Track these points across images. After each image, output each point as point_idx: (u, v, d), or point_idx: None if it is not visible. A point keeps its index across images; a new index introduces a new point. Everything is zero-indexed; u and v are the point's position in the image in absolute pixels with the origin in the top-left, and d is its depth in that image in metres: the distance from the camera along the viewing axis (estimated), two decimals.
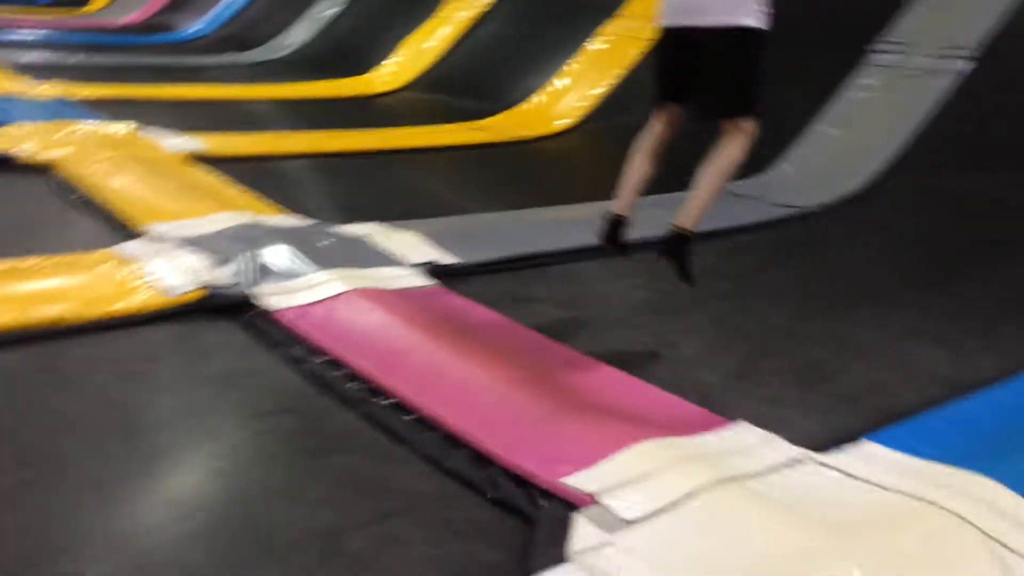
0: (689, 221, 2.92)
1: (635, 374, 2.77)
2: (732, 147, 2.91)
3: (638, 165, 3.07)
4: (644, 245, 3.16)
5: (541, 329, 3.11)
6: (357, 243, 3.70)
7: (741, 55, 2.86)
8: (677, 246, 2.92)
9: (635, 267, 3.76)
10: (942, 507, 2.04)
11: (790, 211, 4.98)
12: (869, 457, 2.31)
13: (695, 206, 2.91)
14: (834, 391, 2.85)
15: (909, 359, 3.10)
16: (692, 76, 2.97)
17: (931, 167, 5.15)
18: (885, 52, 6.02)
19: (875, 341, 3.26)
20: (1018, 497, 2.11)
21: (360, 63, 9.19)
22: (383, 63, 9.13)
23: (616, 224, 3.08)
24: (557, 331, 3.13)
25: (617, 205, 3.08)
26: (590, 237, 3.82)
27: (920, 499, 2.07)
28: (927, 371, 3.01)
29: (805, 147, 5.76)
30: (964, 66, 5.58)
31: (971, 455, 2.30)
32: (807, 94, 6.08)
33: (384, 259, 3.55)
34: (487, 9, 9.04)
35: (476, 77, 8.37)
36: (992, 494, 2.11)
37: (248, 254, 3.31)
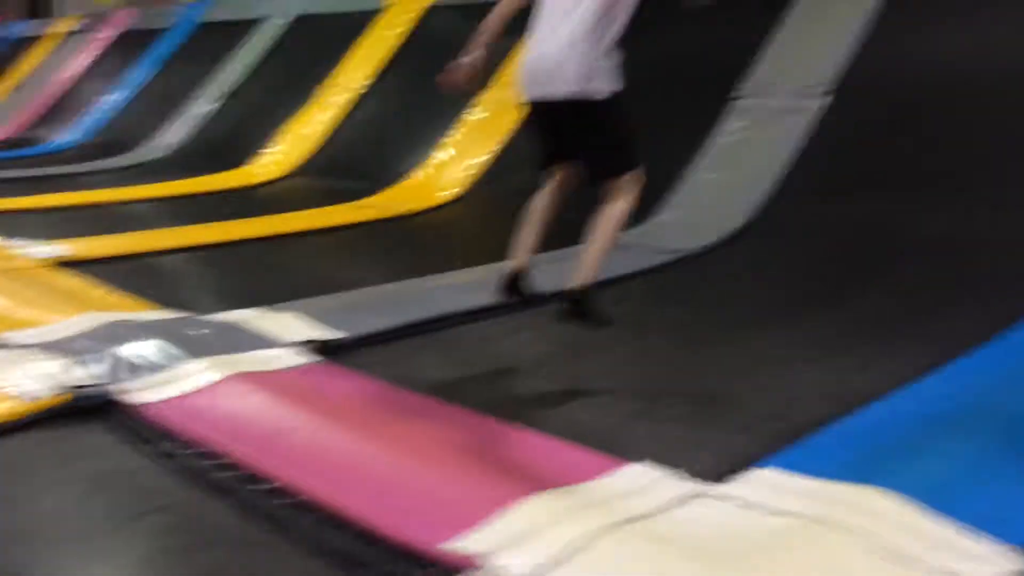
0: (586, 279, 2.90)
1: (531, 425, 2.71)
2: (618, 202, 2.94)
3: (531, 224, 3.07)
4: (542, 298, 3.14)
5: (433, 392, 3.02)
6: (233, 329, 3.55)
7: (603, 120, 2.89)
8: (579, 305, 2.89)
9: (529, 321, 3.74)
10: (837, 525, 2.01)
11: (676, 255, 5.05)
12: (764, 483, 2.28)
13: (589, 264, 2.91)
14: (729, 421, 2.83)
15: (797, 383, 3.13)
16: (566, 140, 2.99)
17: (801, 201, 5.33)
18: (748, 97, 6.26)
19: (764, 368, 3.28)
20: (910, 506, 2.09)
21: (240, 156, 9.08)
22: (263, 153, 9.04)
23: (514, 278, 3.05)
24: (450, 392, 3.04)
25: (513, 262, 3.06)
26: (482, 298, 3.81)
27: (815, 520, 2.04)
28: (815, 392, 3.03)
29: (684, 194, 5.90)
30: (821, 103, 5.84)
31: (862, 469, 2.29)
32: (682, 143, 6.26)
33: (262, 342, 3.40)
34: (364, 91, 9.08)
35: (359, 158, 8.36)
36: (885, 506, 2.09)
37: (112, 352, 3.13)
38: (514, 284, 3.07)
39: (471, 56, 3.09)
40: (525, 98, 3.01)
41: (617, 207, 2.91)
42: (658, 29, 7.24)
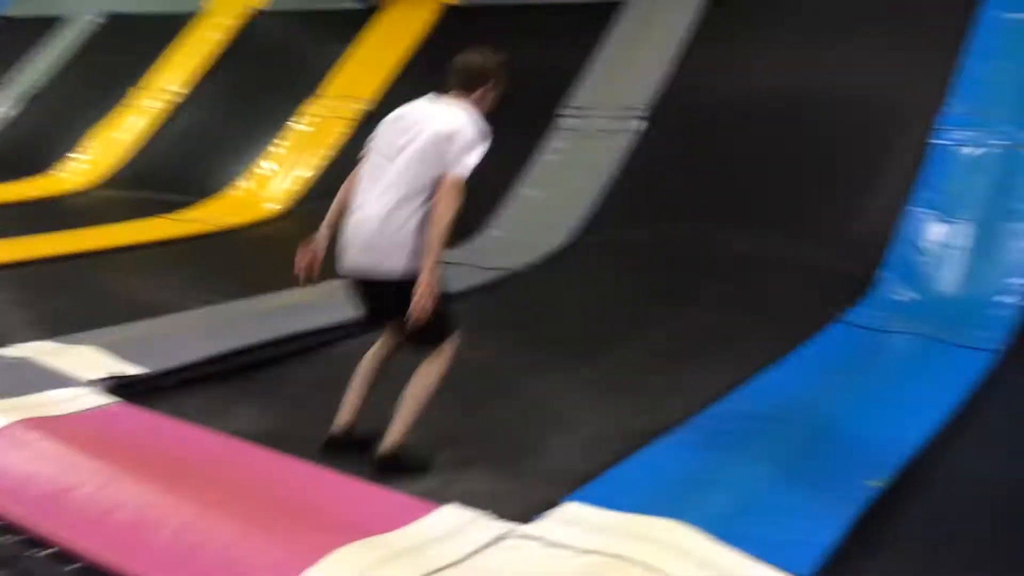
0: (396, 439, 2.79)
1: (345, 469, 2.64)
2: (434, 364, 2.84)
3: (359, 385, 2.93)
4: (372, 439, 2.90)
5: (244, 434, 2.89)
6: (20, 366, 3.28)
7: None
8: (392, 465, 2.80)
9: (356, 348, 3.64)
10: (635, 560, 2.08)
11: (499, 273, 5.11)
12: (570, 519, 2.33)
13: (401, 423, 2.80)
14: (535, 459, 2.88)
15: (605, 415, 3.22)
16: (387, 307, 2.83)
17: (616, 221, 5.52)
18: (570, 117, 6.42)
19: (575, 403, 3.36)
20: (703, 537, 2.19)
21: (43, 163, 8.45)
22: (69, 160, 8.45)
23: (340, 437, 2.90)
24: (261, 434, 2.93)
25: (340, 421, 2.90)
26: (307, 322, 3.70)
27: (612, 555, 2.10)
28: (621, 424, 3.12)
29: (510, 209, 5.98)
30: (638, 125, 6.07)
31: (659, 501, 2.38)
32: (509, 159, 6.33)
33: (53, 381, 3.16)
34: (182, 97, 8.66)
35: (177, 168, 7.96)
36: (679, 538, 2.18)
37: None
38: (340, 441, 2.90)
39: (315, 243, 2.88)
40: (343, 267, 2.84)
41: (433, 369, 2.83)
42: (488, 44, 7.33)
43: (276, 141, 7.60)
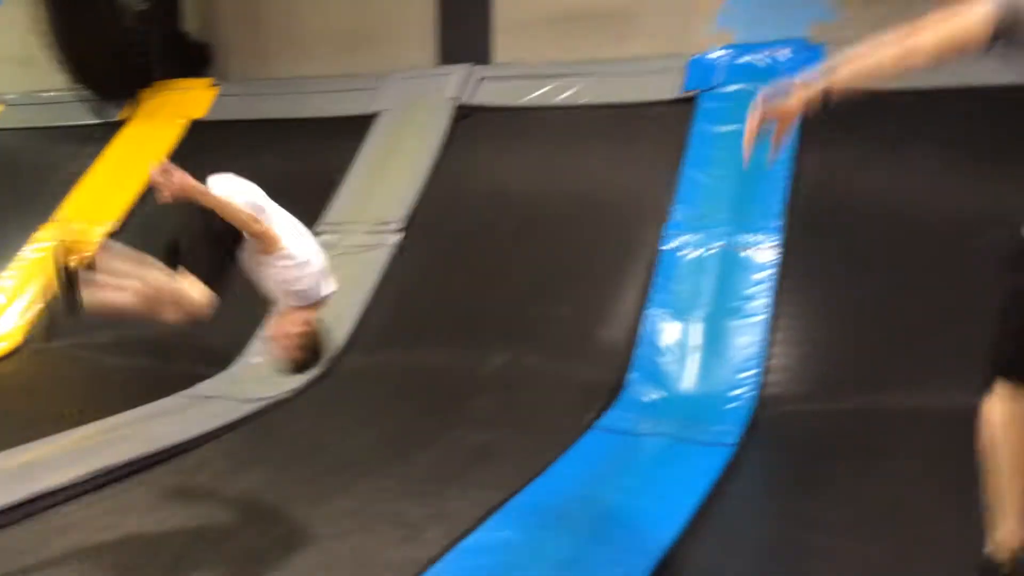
0: None
1: None
2: None
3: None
4: None
5: None
6: None
7: None
8: None
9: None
10: None
11: (258, 404, 4.91)
12: None
13: None
14: None
15: (365, 550, 3.14)
16: None
17: (380, 341, 5.49)
18: (327, 233, 6.37)
19: (333, 536, 3.26)
20: None
21: None
22: None
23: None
24: None
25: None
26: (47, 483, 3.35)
27: None
28: (381, 559, 3.06)
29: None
30: (395, 239, 6.12)
31: None
32: None
33: None
34: None
35: None
36: None
37: None
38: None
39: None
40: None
41: None
42: (245, 155, 7.19)
43: (5, 272, 6.96)
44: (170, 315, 3.07)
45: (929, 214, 5.07)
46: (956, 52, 1.93)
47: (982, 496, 2.22)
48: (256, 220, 3.11)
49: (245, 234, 3.12)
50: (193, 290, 3.03)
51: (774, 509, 3.66)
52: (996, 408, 1.91)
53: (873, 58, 1.82)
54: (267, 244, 3.13)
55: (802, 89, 1.85)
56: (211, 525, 3.44)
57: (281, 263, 3.18)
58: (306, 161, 6.92)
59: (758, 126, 1.92)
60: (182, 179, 2.93)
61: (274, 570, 2.99)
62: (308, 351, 3.37)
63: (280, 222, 3.29)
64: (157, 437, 4.32)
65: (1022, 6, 1.93)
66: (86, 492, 3.69)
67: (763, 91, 1.85)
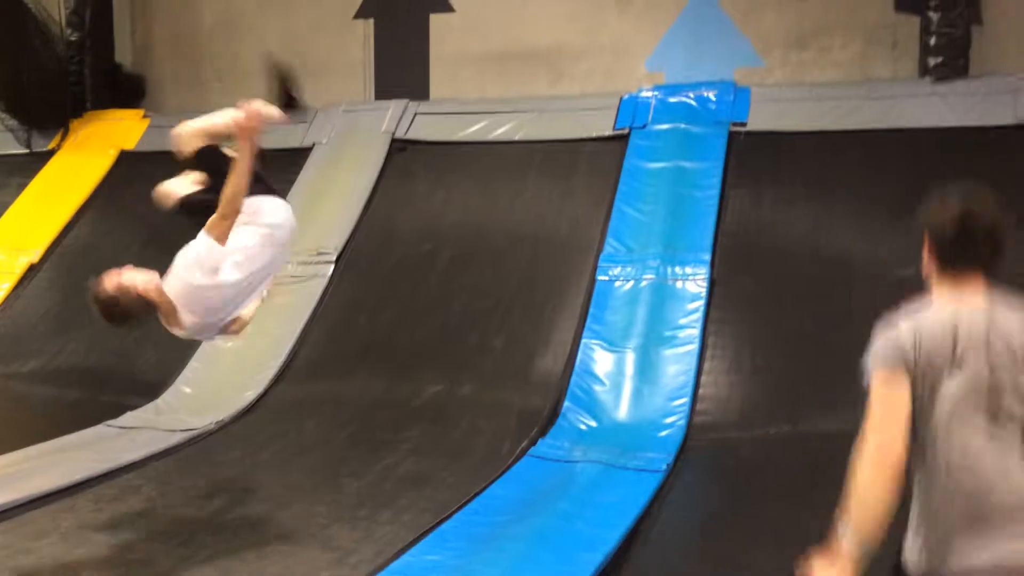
0: None
1: None
2: None
3: None
4: None
5: None
6: None
7: None
8: None
9: None
10: None
11: (188, 435, 4.81)
12: None
13: None
14: None
15: (292, 574, 3.08)
16: None
17: (314, 371, 5.44)
18: None
19: (258, 559, 3.23)
20: None
21: None
22: None
23: None
24: None
25: None
26: None
27: None
28: None
29: (200, 362, 5.68)
30: (330, 270, 6.10)
31: None
32: None
33: None
34: None
35: None
36: None
37: None
38: None
39: None
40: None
41: None
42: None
43: None
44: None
45: (850, 250, 5.26)
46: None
47: None
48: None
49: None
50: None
51: (702, 538, 3.71)
52: None
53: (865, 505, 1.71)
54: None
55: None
56: (130, 554, 3.35)
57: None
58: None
59: None
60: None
61: None
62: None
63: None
64: (77, 467, 4.20)
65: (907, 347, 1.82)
66: (3, 519, 3.56)
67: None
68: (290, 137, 7.18)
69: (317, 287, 6.02)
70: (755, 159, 5.97)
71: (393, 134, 6.95)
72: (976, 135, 5.54)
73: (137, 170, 7.36)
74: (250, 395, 5.27)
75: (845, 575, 1.76)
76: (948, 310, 1.86)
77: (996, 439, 1.79)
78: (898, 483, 1.77)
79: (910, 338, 1.85)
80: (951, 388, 1.81)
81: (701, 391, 4.81)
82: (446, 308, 5.63)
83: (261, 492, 3.99)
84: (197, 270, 3.18)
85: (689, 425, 4.61)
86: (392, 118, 7.05)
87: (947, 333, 1.82)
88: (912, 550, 1.88)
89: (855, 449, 1.84)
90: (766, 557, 3.26)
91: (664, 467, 4.18)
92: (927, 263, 1.96)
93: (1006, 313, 1.84)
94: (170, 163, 7.15)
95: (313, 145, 7.08)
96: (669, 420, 4.65)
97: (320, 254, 6.19)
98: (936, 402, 1.82)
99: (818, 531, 3.48)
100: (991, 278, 1.90)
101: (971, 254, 1.89)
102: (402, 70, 7.71)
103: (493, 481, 4.01)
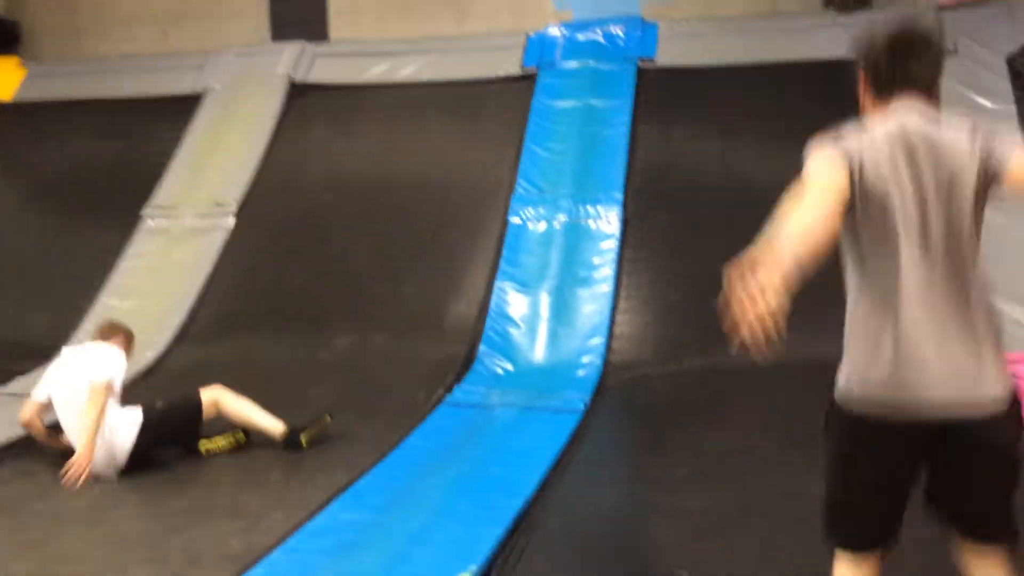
0: None
1: None
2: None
3: None
4: None
5: None
6: None
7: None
8: None
9: None
10: None
11: None
12: None
13: None
14: None
15: (199, 544, 2.93)
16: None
17: (216, 329, 5.18)
18: (156, 217, 5.98)
19: (164, 532, 3.04)
20: None
21: None
22: None
23: None
24: None
25: None
26: None
27: None
28: (216, 551, 2.86)
29: (89, 324, 5.35)
30: (229, 222, 5.81)
31: None
32: (85, 267, 5.72)
33: None
34: None
35: None
36: None
37: None
38: None
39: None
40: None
41: None
42: (52, 143, 6.65)
43: None
44: None
45: (760, 182, 5.22)
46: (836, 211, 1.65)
47: None
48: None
49: None
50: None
51: (622, 471, 3.69)
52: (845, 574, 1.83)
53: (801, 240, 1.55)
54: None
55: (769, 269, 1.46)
56: (23, 530, 3.13)
57: None
58: (128, 143, 6.48)
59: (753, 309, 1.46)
60: None
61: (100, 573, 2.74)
62: None
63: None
64: None
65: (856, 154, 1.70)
66: None
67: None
68: (179, 83, 6.81)
69: (216, 241, 5.74)
70: (664, 95, 5.90)
71: (291, 77, 6.62)
72: None
73: (15, 122, 6.88)
74: (150, 355, 4.99)
75: (778, 273, 1.53)
76: (889, 125, 1.75)
77: (924, 260, 1.70)
78: (829, 233, 1.64)
79: (853, 144, 1.74)
80: (886, 203, 1.70)
81: (616, 329, 4.77)
82: (354, 258, 5.44)
83: (163, 460, 3.77)
84: None
85: (605, 364, 4.57)
86: (289, 60, 6.72)
87: (887, 146, 1.71)
88: (841, 374, 1.80)
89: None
90: (684, 491, 3.24)
91: (582, 406, 4.14)
92: (863, 97, 1.86)
93: (947, 132, 1.71)
94: (53, 114, 6.75)
95: (205, 91, 6.71)
96: (585, 360, 4.60)
97: (218, 205, 5.90)
98: (869, 216, 1.71)
99: (734, 460, 3.52)
100: (930, 100, 1.79)
101: (907, 73, 1.77)
102: (299, 11, 7.34)
103: (409, 432, 3.89)
